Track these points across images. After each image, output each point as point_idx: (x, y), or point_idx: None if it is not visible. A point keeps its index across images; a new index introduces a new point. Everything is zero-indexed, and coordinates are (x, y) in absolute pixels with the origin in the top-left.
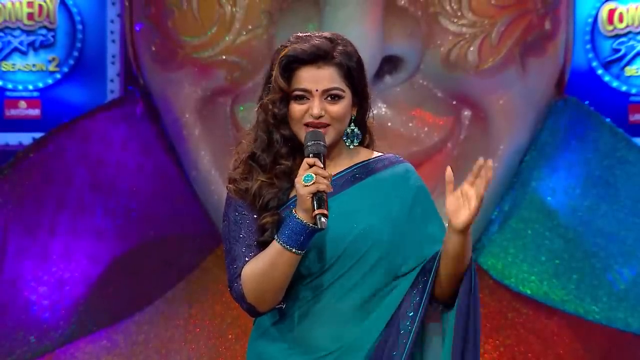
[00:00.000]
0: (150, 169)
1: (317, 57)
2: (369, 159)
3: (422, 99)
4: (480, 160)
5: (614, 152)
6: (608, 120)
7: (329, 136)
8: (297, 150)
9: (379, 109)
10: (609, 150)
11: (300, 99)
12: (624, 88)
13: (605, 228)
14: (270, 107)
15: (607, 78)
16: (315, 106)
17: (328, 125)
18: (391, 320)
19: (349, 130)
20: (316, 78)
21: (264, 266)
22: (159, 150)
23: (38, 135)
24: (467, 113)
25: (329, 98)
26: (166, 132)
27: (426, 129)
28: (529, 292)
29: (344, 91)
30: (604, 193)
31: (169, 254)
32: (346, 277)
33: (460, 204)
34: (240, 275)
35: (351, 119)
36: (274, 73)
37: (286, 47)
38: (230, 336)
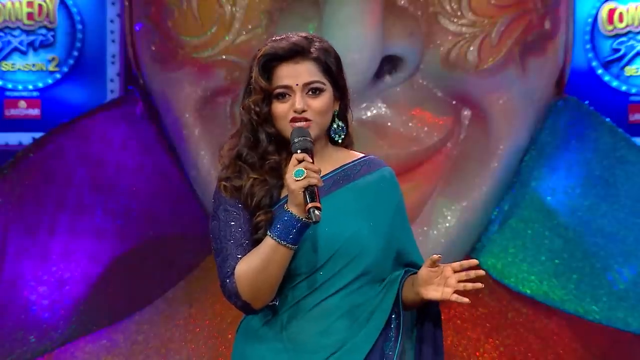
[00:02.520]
0: (150, 169)
1: (295, 52)
2: (354, 161)
3: (421, 99)
4: (474, 262)
5: (613, 152)
6: (608, 120)
7: (313, 131)
8: (283, 147)
9: (378, 109)
10: (609, 150)
11: (282, 97)
12: (623, 88)
13: (605, 228)
14: (252, 107)
15: (607, 78)
16: (298, 101)
17: (311, 120)
18: (384, 327)
19: (335, 126)
20: (295, 73)
21: (259, 262)
22: (159, 150)
23: (38, 135)
24: (467, 113)
25: (310, 92)
26: (166, 131)
27: (426, 128)
28: (528, 291)
29: (324, 84)
30: (604, 193)
31: (169, 254)
32: (337, 278)
33: (435, 281)
34: (233, 273)
35: (334, 113)
36: (253, 74)
37: (264, 48)
38: (230, 336)
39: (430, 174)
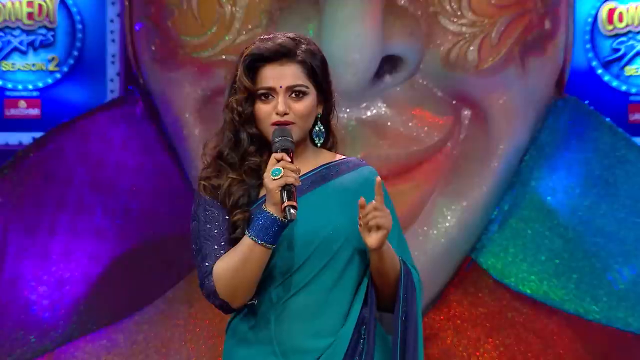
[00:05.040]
0: (150, 169)
1: (281, 54)
2: (334, 161)
3: (422, 99)
4: (378, 179)
5: (614, 151)
6: (608, 119)
7: (294, 133)
8: (265, 148)
9: (378, 109)
10: (609, 150)
11: (265, 97)
12: (623, 87)
13: (605, 228)
14: (235, 106)
15: (606, 77)
16: (280, 103)
17: (293, 123)
18: (357, 323)
19: (317, 129)
20: (280, 75)
21: (236, 261)
22: (159, 149)
23: (38, 135)
24: (467, 113)
25: (293, 95)
26: (166, 131)
27: (426, 128)
28: (528, 291)
29: (308, 88)
30: (604, 193)
31: (169, 254)
32: (322, 276)
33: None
34: (211, 272)
35: (317, 117)
36: (237, 73)
37: (250, 47)
38: None
39: (430, 174)
